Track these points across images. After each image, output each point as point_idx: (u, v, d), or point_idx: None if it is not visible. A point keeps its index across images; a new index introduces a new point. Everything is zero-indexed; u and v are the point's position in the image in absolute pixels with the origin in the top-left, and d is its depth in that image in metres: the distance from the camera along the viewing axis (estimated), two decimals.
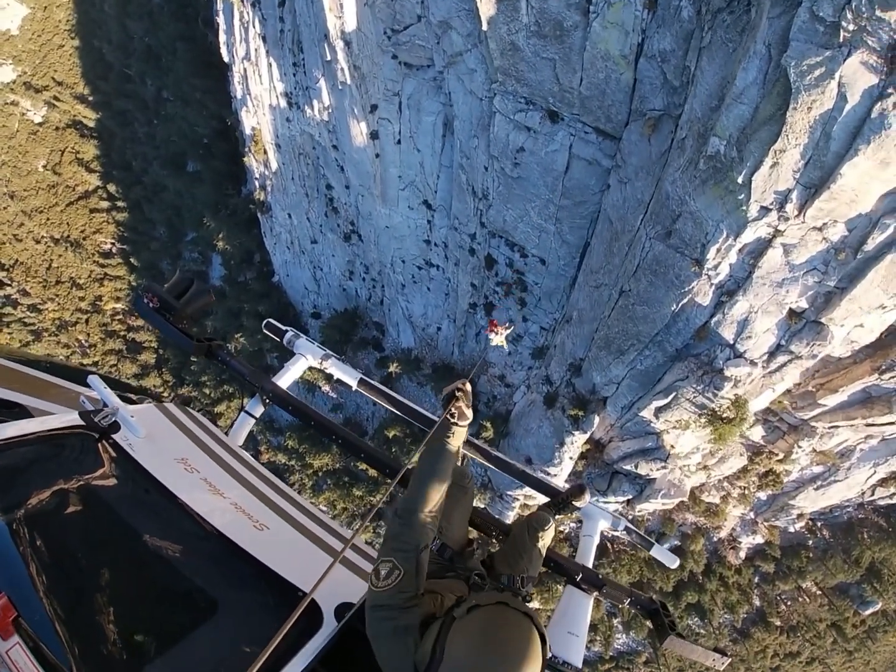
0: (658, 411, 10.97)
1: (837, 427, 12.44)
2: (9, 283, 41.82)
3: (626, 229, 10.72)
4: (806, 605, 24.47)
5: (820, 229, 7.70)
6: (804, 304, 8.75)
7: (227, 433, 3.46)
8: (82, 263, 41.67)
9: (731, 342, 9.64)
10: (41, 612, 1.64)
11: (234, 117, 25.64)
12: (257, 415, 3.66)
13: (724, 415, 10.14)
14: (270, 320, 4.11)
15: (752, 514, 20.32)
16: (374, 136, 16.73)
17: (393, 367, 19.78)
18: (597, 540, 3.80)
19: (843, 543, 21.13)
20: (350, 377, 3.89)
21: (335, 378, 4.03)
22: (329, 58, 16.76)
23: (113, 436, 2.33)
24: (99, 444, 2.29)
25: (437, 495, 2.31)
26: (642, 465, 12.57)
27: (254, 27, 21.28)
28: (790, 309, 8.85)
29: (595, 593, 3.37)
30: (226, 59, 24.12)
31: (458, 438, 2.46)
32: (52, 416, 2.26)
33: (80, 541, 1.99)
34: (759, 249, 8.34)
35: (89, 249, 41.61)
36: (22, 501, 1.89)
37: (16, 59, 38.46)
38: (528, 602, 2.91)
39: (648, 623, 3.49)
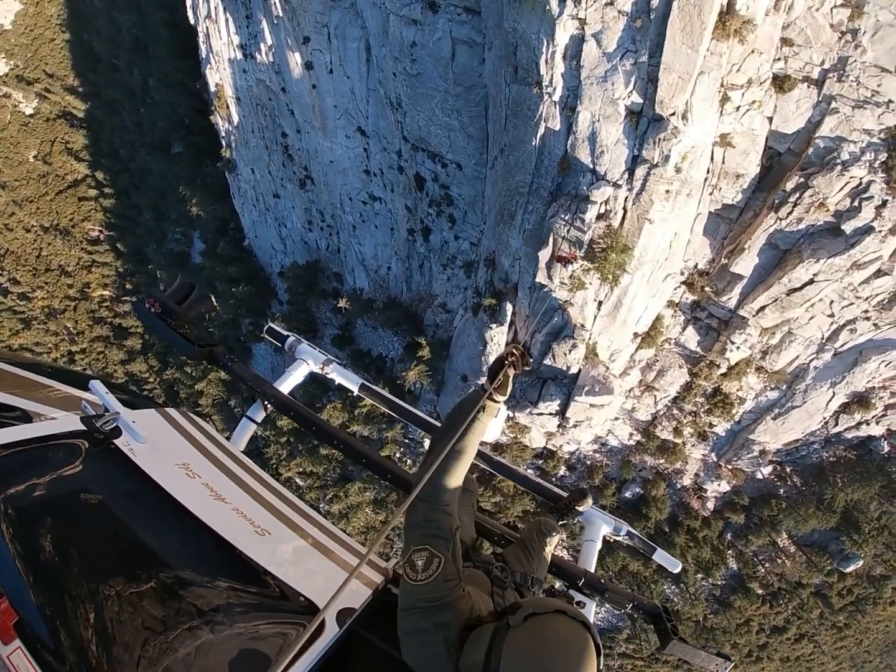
0: (548, 267, 10.67)
1: (764, 310, 11.96)
2: None
3: (498, 92, 11.05)
4: (784, 566, 23.34)
5: (612, 3, 8.04)
6: (637, 99, 8.92)
7: (228, 438, 3.48)
8: (71, 251, 42.42)
9: (591, 166, 9.69)
10: (42, 617, 1.60)
11: (202, 81, 26.21)
12: (259, 420, 3.68)
13: (602, 248, 9.81)
14: (272, 325, 4.14)
15: (713, 457, 19.59)
16: (308, 66, 17.07)
17: (343, 303, 19.64)
18: (598, 545, 3.78)
19: (816, 491, 20.19)
20: (351, 382, 3.95)
21: (336, 383, 4.07)
22: None
23: (114, 441, 2.29)
24: (100, 449, 2.26)
25: (462, 472, 2.13)
26: (557, 350, 12.16)
27: None
28: (627, 109, 9.03)
29: (597, 598, 3.35)
30: (191, 21, 24.79)
31: (490, 413, 2.20)
32: (53, 421, 2.23)
33: (80, 545, 1.94)
34: (577, 50, 8.68)
35: (77, 237, 42.39)
36: (21, 506, 1.85)
37: (8, 53, 39.84)
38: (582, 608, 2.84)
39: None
